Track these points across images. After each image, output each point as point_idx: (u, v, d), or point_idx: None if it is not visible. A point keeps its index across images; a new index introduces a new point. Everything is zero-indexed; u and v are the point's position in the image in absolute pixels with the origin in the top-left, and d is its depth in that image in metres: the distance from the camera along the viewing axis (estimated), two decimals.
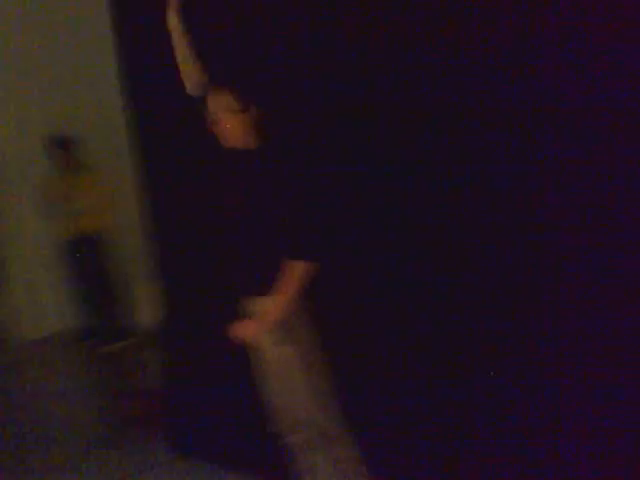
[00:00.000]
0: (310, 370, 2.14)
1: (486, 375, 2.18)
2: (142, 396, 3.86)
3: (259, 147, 2.10)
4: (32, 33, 5.38)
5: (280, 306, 2.05)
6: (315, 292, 2.10)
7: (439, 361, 2.30)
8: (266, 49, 2.40)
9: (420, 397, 2.36)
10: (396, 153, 2.24)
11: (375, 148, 2.29)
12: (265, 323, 2.09)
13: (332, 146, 2.36)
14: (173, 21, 2.27)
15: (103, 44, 4.32)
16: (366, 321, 2.42)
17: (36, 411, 4.19)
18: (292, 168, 2.06)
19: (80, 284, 5.34)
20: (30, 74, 5.44)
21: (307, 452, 2.32)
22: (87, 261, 5.21)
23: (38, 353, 5.43)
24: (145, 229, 3.23)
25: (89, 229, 5.15)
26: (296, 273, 2.01)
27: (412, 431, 2.40)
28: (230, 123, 2.03)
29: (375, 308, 2.40)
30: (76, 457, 3.42)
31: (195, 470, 3.09)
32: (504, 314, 2.13)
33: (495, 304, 2.14)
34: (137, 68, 2.96)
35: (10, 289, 5.63)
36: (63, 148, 5.14)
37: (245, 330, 2.14)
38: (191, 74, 2.24)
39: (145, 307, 5.48)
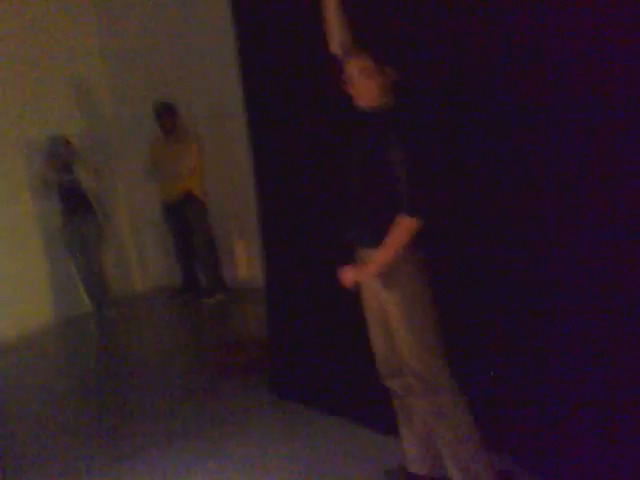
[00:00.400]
0: (415, 316, 2.22)
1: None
2: (243, 345, 4.10)
3: (389, 107, 2.21)
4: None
5: (386, 257, 2.17)
6: (425, 245, 2.20)
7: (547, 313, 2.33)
8: (406, 16, 2.48)
9: (524, 346, 2.41)
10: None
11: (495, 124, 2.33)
12: (370, 270, 2.22)
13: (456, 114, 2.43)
14: None
15: (216, 11, 4.53)
16: (472, 276, 2.51)
17: (141, 359, 4.55)
18: (417, 129, 2.16)
19: (181, 241, 5.67)
20: (142, 40, 5.75)
21: (408, 398, 2.42)
22: (187, 220, 5.51)
23: (144, 305, 5.87)
24: (254, 187, 3.39)
25: (189, 190, 5.44)
26: (405, 228, 2.13)
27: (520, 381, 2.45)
28: (366, 83, 2.16)
29: (480, 263, 2.48)
30: (179, 402, 3.70)
31: (295, 414, 3.29)
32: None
33: None
34: (252, 35, 3.12)
35: (120, 246, 6.07)
36: (167, 114, 5.43)
37: (351, 274, 2.28)
38: (339, 35, 2.33)
39: (241, 262, 5.80)
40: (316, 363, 3.23)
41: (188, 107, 5.56)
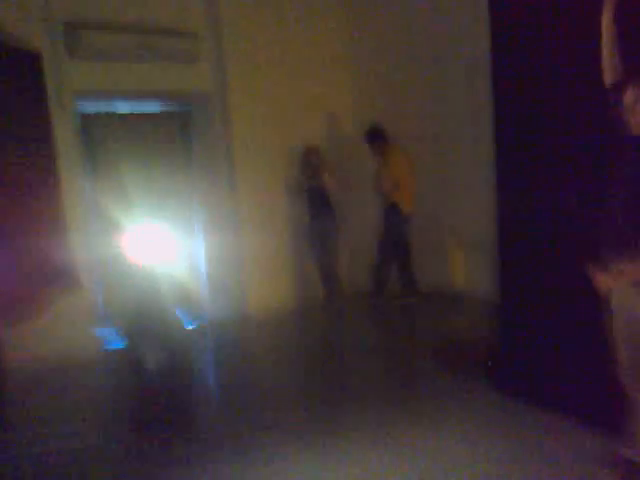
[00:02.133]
0: None
1: None
2: (466, 344, 4.47)
3: None
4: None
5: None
6: None
7: None
8: None
9: None
10: None
11: None
12: (627, 278, 2.45)
13: None
14: (607, 20, 2.61)
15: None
16: None
17: (363, 347, 5.12)
18: None
19: (387, 248, 6.23)
20: (381, 78, 6.50)
21: None
22: (392, 229, 6.11)
23: (358, 304, 6.48)
24: (497, 200, 3.76)
25: (392, 202, 6.03)
26: None
27: None
28: None
29: None
30: (401, 388, 4.18)
31: (514, 407, 3.56)
32: None
33: None
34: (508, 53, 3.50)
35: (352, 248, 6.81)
36: (373, 137, 6.09)
37: (607, 280, 2.53)
38: (614, 68, 2.60)
39: (457, 270, 6.20)
40: (543, 366, 3.51)
41: (404, 129, 6.15)
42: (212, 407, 4.13)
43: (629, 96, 2.43)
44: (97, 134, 5.48)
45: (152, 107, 5.78)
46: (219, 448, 3.39)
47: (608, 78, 2.62)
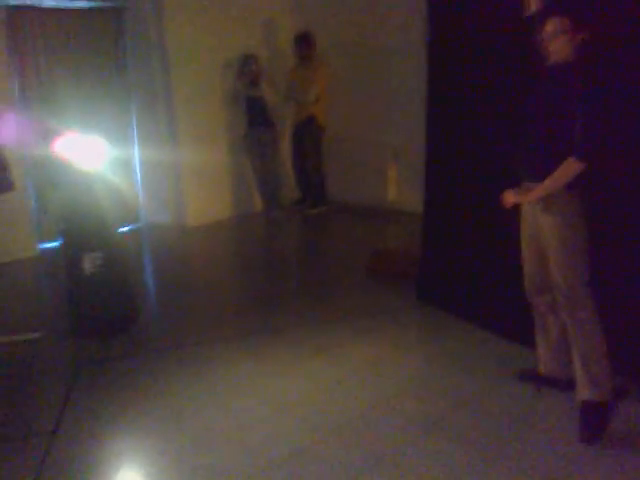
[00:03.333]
0: (569, 241, 2.56)
1: None
2: (394, 254, 4.69)
3: (577, 62, 2.50)
4: None
5: (548, 188, 2.55)
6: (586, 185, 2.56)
7: None
8: None
9: None
10: None
11: None
12: (531, 196, 2.63)
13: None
14: None
15: None
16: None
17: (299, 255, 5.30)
18: (601, 84, 2.45)
19: (298, 160, 6.41)
20: None
21: (550, 313, 2.82)
22: (304, 142, 6.26)
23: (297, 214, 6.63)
24: (426, 121, 3.87)
25: (312, 115, 6.11)
26: (572, 168, 2.49)
27: None
28: (559, 41, 2.48)
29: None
30: (332, 292, 4.36)
31: (435, 315, 3.82)
32: None
33: None
34: None
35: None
36: (303, 42, 6.06)
37: (513, 197, 2.72)
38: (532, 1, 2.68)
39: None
40: (462, 275, 3.75)
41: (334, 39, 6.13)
42: (152, 313, 4.13)
43: (550, 26, 2.50)
44: (24, 29, 5.17)
45: (81, 3, 5.46)
46: (162, 356, 3.40)
47: (530, 7, 2.69)
